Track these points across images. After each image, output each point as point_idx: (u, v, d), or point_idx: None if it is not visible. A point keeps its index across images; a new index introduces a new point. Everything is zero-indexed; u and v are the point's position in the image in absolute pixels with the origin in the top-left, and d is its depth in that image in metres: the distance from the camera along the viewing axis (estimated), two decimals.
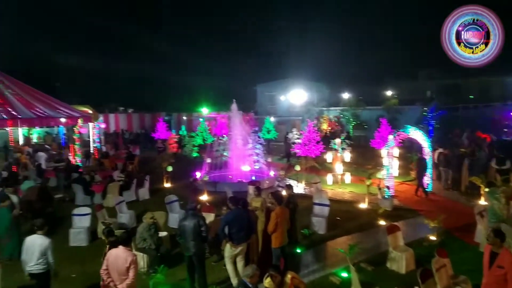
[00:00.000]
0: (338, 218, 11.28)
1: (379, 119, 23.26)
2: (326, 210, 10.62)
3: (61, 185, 15.75)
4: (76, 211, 10.51)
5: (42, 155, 20.09)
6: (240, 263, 7.21)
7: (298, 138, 20.39)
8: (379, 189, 12.87)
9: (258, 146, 17.43)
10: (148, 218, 8.26)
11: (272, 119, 32.52)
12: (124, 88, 50.77)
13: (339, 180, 16.06)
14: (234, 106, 17.66)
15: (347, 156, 18.55)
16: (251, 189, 11.37)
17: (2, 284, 6.79)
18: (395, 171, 15.77)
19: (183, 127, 33.95)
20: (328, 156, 18.12)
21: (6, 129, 18.18)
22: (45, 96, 21.28)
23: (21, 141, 23.16)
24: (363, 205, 12.58)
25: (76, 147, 20.44)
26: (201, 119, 31.50)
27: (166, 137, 27.13)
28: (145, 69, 51.76)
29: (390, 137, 14.27)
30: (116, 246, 5.79)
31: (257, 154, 17.15)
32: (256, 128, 26.16)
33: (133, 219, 11.14)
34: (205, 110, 36.05)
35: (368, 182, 12.69)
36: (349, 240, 9.39)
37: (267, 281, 5.06)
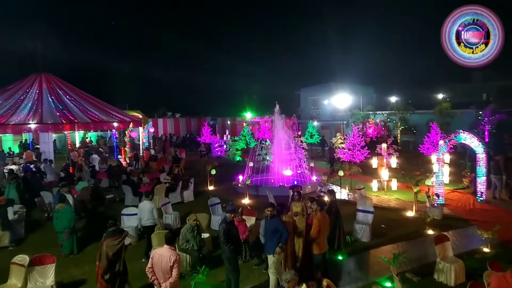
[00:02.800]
0: (383, 225, 10.91)
1: (429, 124, 22.22)
2: (370, 217, 10.31)
3: (111, 184, 16.62)
4: (125, 211, 11.04)
5: (95, 158, 21.38)
6: (280, 271, 7.15)
7: (342, 143, 20.02)
8: (428, 196, 12.29)
9: (300, 151, 17.33)
10: (192, 220, 8.48)
11: (315, 123, 32.19)
12: (172, 93, 52.74)
13: (384, 187, 15.54)
14: (276, 110, 17.72)
15: (394, 161, 17.90)
16: (292, 194, 11.31)
17: (56, 278, 7.26)
18: (446, 178, 14.98)
19: (227, 132, 34.57)
20: (374, 162, 17.60)
21: (65, 132, 19.55)
22: (99, 101, 22.66)
23: (77, 144, 24.79)
24: (410, 213, 12.07)
25: (127, 150, 21.53)
26: (244, 124, 31.88)
27: (210, 141, 27.77)
28: (192, 75, 53.48)
29: (441, 142, 13.59)
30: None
31: (300, 159, 17.05)
32: (299, 133, 26.03)
33: (178, 220, 11.50)
34: (248, 115, 36.47)
35: (415, 189, 12.16)
36: (394, 249, 9.04)
37: None
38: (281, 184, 15.71)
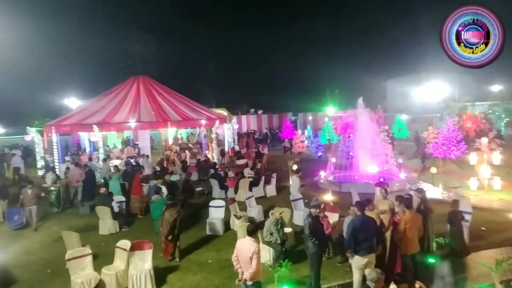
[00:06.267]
0: (483, 228, 9.89)
1: None
2: (467, 218, 9.38)
3: (200, 178, 17.67)
4: (212, 203, 11.64)
5: (186, 153, 22.92)
6: (367, 271, 6.90)
7: (434, 138, 18.52)
8: None
9: (388, 146, 16.45)
10: (277, 213, 8.64)
11: (403, 116, 30.26)
12: (255, 90, 54.01)
13: (485, 186, 14.00)
14: (360, 103, 17.04)
15: (497, 158, 16.00)
16: (378, 191, 10.82)
17: (153, 263, 7.98)
18: None
19: (309, 127, 34.31)
20: (472, 158, 15.95)
21: (159, 130, 21.28)
22: (188, 100, 24.18)
23: (170, 141, 26.80)
24: None
25: (213, 146, 22.67)
26: (326, 118, 31.31)
27: (291, 137, 27.86)
28: (274, 71, 54.10)
29: None
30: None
31: (386, 155, 16.20)
32: (386, 127, 24.73)
33: (261, 213, 11.79)
34: (330, 109, 35.73)
35: None
36: (497, 254, 8.09)
37: None
38: (366, 181, 15.12)
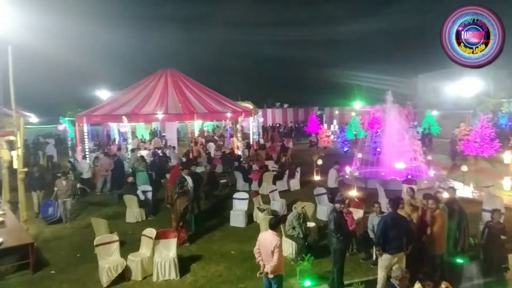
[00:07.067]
0: None
1: None
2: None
3: (225, 170, 17.83)
4: (236, 195, 11.73)
5: (211, 145, 23.17)
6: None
7: (466, 135, 17.86)
8: None
9: (416, 142, 15.98)
10: (300, 208, 8.61)
11: (434, 112, 29.31)
12: (280, 84, 53.79)
13: None
14: (389, 98, 16.62)
15: None
16: (405, 188, 10.57)
17: (177, 252, 8.14)
18: None
19: (335, 122, 33.87)
20: (506, 156, 15.27)
21: (186, 122, 21.58)
22: (214, 93, 24.35)
23: (196, 133, 27.15)
24: None
25: (238, 138, 22.79)
26: (353, 113, 30.80)
27: (317, 131, 27.59)
28: (300, 65, 53.57)
29: None
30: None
31: (415, 151, 15.76)
32: (415, 123, 24.09)
33: (284, 207, 11.78)
34: (357, 104, 35.08)
35: None
36: None
37: (417, 287, 4.68)
38: (393, 177, 14.79)
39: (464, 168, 13.81)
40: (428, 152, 18.14)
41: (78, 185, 14.01)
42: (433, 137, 25.17)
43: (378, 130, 18.66)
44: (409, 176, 14.24)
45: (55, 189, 11.18)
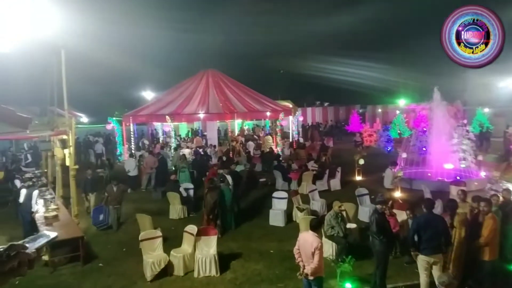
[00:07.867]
0: None
1: None
2: None
3: (264, 169, 17.89)
4: (275, 194, 11.71)
5: (251, 144, 23.32)
6: (436, 274, 6.48)
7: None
8: None
9: (466, 141, 15.14)
10: (337, 207, 8.45)
11: (485, 110, 27.60)
12: (321, 82, 52.88)
13: None
14: (436, 95, 15.85)
15: None
16: (453, 190, 10.06)
17: (218, 249, 8.27)
18: None
19: (378, 120, 32.89)
20: None
21: (226, 121, 21.91)
22: (254, 92, 24.51)
23: (236, 132, 27.46)
24: None
25: (278, 137, 22.77)
26: (397, 111, 29.76)
27: (359, 130, 26.93)
28: (342, 62, 52.35)
29: None
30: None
31: (464, 151, 14.93)
32: (465, 121, 22.81)
33: (324, 207, 11.60)
34: (402, 102, 33.81)
35: None
36: None
37: None
38: (440, 178, 14.10)
39: None
40: (485, 152, 17.14)
41: (129, 190, 14.17)
42: (491, 136, 23.68)
43: (425, 129, 17.87)
44: (458, 178, 13.52)
45: (106, 194, 11.13)
